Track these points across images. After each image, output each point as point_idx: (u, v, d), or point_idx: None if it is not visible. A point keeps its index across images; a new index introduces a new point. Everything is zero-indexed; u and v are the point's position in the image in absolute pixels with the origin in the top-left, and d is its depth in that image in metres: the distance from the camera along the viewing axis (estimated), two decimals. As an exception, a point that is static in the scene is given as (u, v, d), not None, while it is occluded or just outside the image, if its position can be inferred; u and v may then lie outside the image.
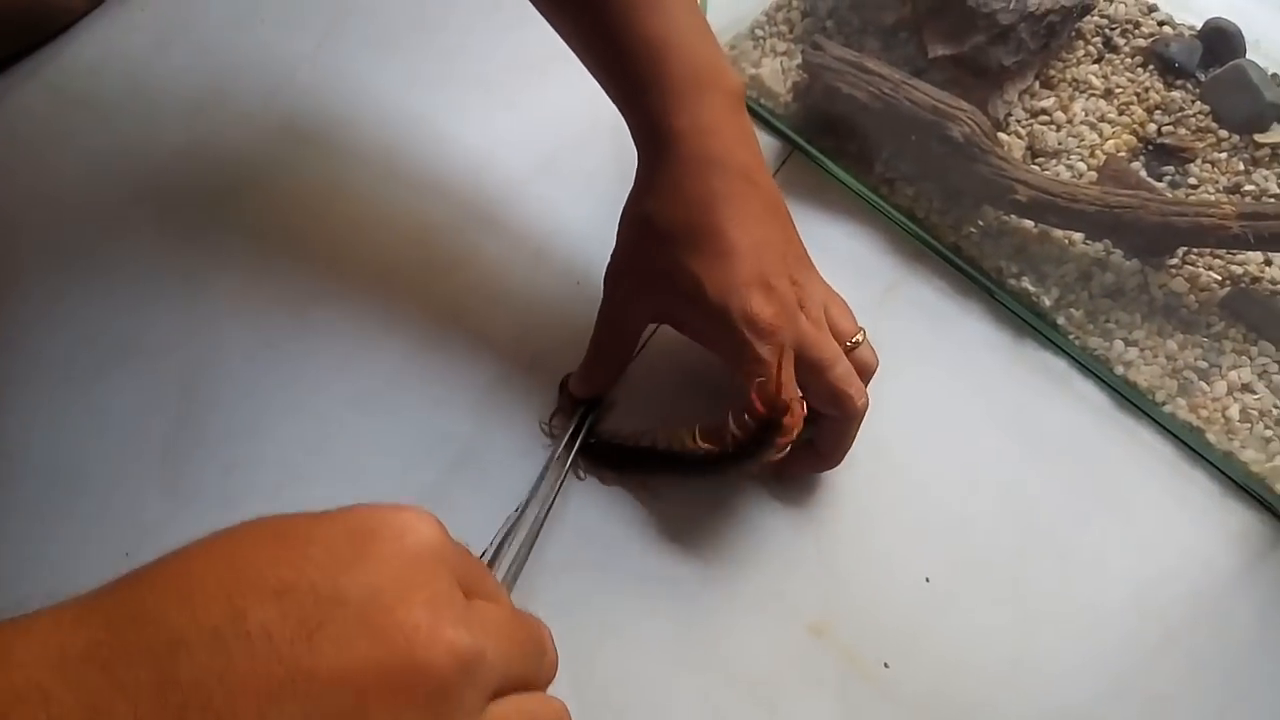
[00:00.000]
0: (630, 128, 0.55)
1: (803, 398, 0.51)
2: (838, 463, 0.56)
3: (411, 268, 0.64)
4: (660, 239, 0.52)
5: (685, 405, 0.58)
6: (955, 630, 0.55)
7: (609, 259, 0.56)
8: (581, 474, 0.58)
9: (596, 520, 0.57)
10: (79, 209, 0.65)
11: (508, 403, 0.60)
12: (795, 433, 0.50)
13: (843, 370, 0.52)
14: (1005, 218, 0.64)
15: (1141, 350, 0.61)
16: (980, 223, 0.65)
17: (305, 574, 0.30)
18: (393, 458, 0.58)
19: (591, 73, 0.56)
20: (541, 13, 0.56)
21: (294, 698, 0.28)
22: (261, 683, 0.28)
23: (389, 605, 0.30)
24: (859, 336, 0.55)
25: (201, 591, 0.30)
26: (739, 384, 0.51)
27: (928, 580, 0.56)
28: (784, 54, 0.71)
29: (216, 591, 0.29)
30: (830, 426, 0.55)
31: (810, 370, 0.52)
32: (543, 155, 0.68)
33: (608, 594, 0.55)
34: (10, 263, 0.63)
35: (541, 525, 0.56)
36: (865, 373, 0.55)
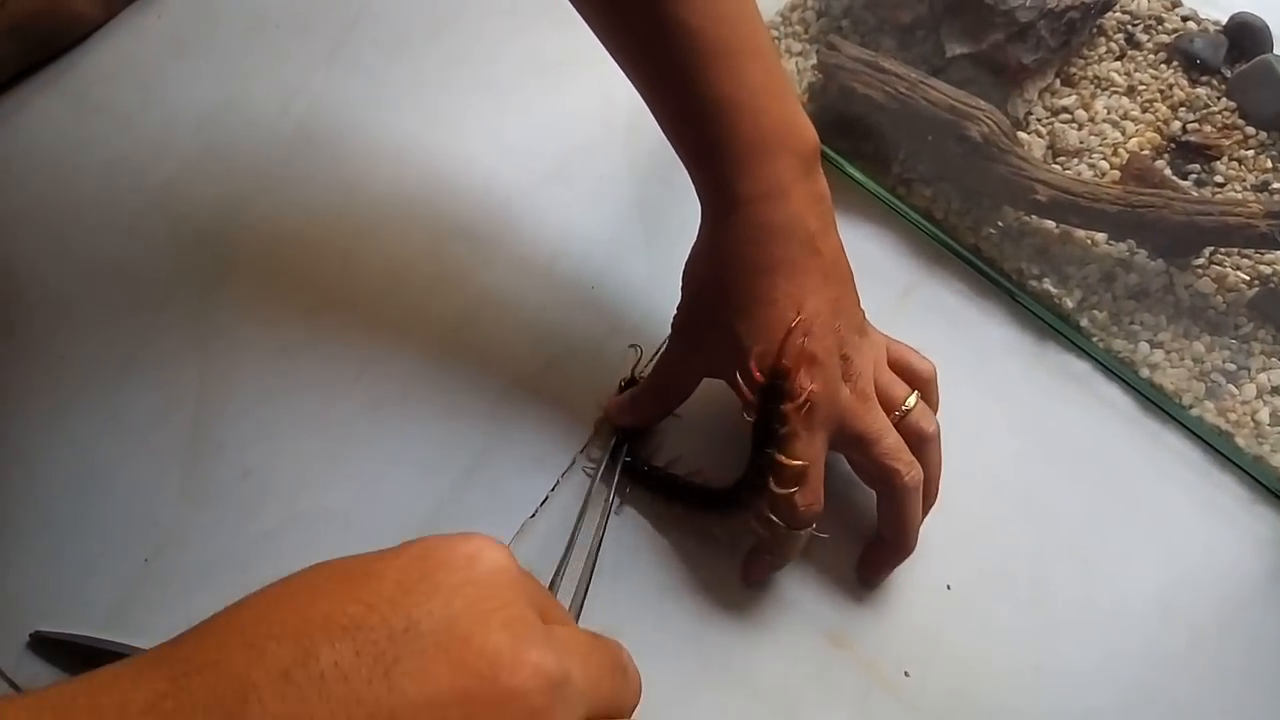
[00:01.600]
0: (694, 184, 0.53)
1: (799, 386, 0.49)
2: (911, 547, 0.54)
3: (425, 273, 0.64)
4: (716, 302, 0.52)
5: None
6: (976, 637, 0.54)
7: (678, 305, 0.55)
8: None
9: (611, 535, 0.57)
10: (95, 215, 0.65)
11: (522, 409, 0.60)
12: (801, 402, 0.48)
13: (888, 445, 0.51)
14: (1026, 218, 0.63)
15: (1167, 352, 0.60)
16: (1000, 223, 0.64)
17: (376, 609, 0.29)
18: (407, 464, 0.58)
19: (660, 124, 0.53)
20: (616, 60, 0.53)
21: None
22: None
23: (466, 633, 0.29)
24: (910, 401, 0.53)
25: (268, 636, 0.29)
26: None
27: (948, 587, 0.55)
28: (799, 54, 0.70)
29: (283, 634, 0.28)
30: (888, 507, 0.53)
31: (855, 446, 0.52)
32: (556, 160, 0.68)
33: (623, 605, 0.55)
34: (27, 270, 0.63)
35: (598, 553, 0.56)
36: (921, 440, 0.53)
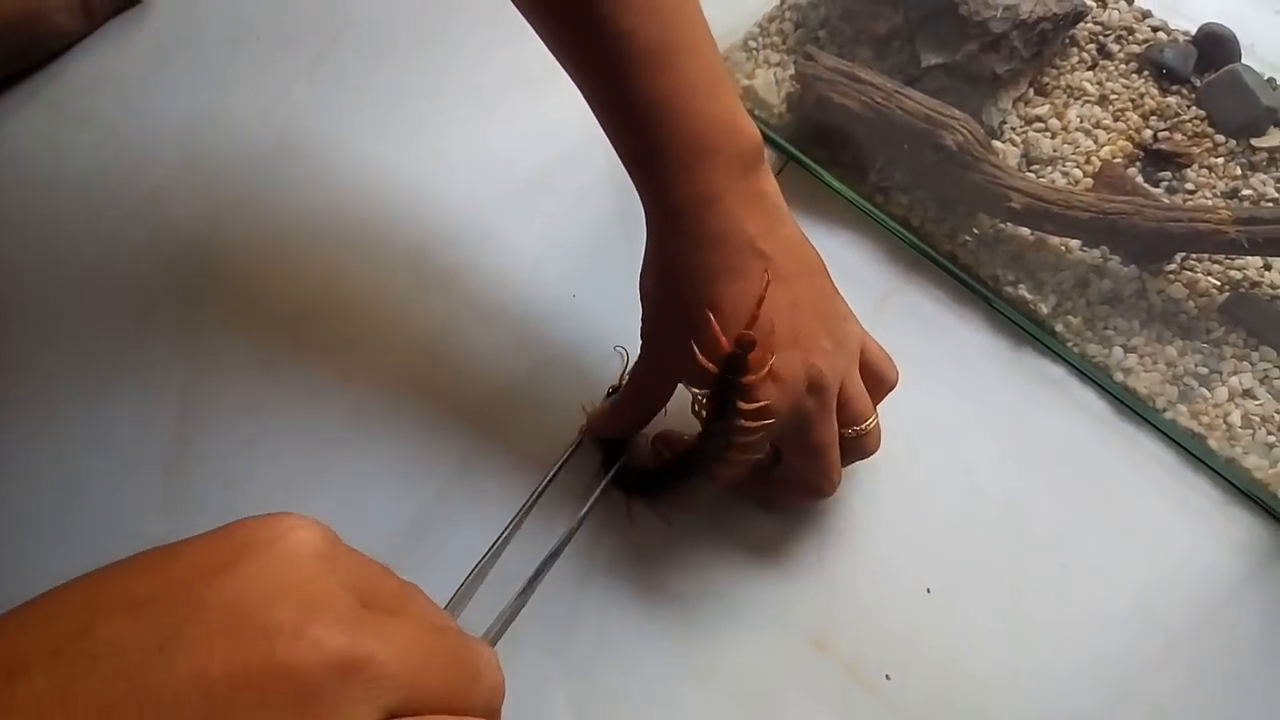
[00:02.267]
0: (637, 191, 0.51)
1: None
2: (774, 507, 0.56)
3: (407, 283, 0.64)
4: (669, 314, 0.51)
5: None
6: (956, 640, 0.54)
7: (642, 332, 0.55)
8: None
9: (592, 536, 0.57)
10: (77, 225, 0.65)
11: (504, 417, 0.60)
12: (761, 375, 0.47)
13: (827, 462, 0.52)
14: (1001, 225, 0.64)
15: (1141, 357, 0.61)
16: (976, 231, 0.65)
17: (164, 588, 0.27)
18: (389, 474, 0.58)
19: (603, 130, 0.52)
20: (562, 65, 0.52)
21: (136, 713, 0.25)
22: (104, 701, 0.25)
23: (253, 608, 0.27)
24: (868, 424, 0.53)
25: (51, 616, 0.27)
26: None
27: (929, 591, 0.56)
28: (777, 65, 0.71)
29: (64, 613, 0.27)
30: (787, 490, 0.55)
31: (794, 449, 0.52)
32: (538, 169, 0.68)
33: (606, 609, 0.55)
34: (8, 280, 0.63)
35: (561, 549, 0.56)
36: (858, 454, 0.54)
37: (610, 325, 0.62)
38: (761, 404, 0.47)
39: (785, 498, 0.56)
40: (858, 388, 0.52)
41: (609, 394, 0.60)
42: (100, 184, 0.66)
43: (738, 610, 0.55)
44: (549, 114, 0.70)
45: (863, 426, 0.52)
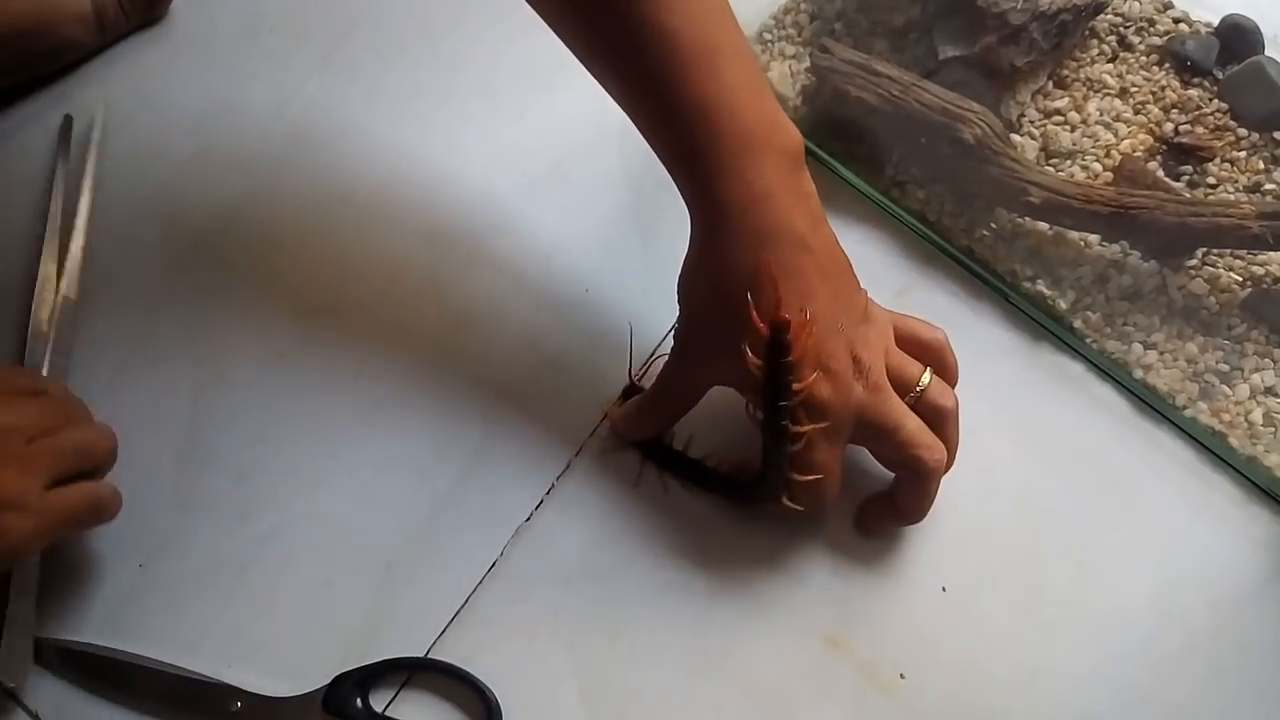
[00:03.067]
0: (681, 191, 0.51)
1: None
2: (919, 518, 0.55)
3: (420, 276, 0.64)
4: (716, 317, 0.51)
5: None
6: (972, 639, 0.54)
7: (675, 320, 0.55)
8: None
9: (609, 531, 0.57)
10: (89, 218, 0.65)
11: (517, 411, 0.60)
12: (804, 368, 0.48)
13: (909, 432, 0.52)
14: (1019, 220, 0.64)
15: (1161, 353, 0.60)
16: (993, 225, 0.64)
17: None
18: (402, 467, 0.58)
19: (640, 131, 0.52)
20: (589, 67, 0.53)
21: None
22: None
23: None
24: (925, 379, 0.53)
25: None
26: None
27: (944, 589, 0.55)
28: (792, 57, 0.70)
29: None
30: (910, 487, 0.54)
31: (875, 438, 0.52)
32: (550, 164, 0.68)
33: (621, 605, 0.55)
34: (20, 273, 0.63)
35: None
36: (940, 416, 0.53)
37: (623, 320, 0.62)
38: (810, 381, 0.48)
39: (910, 507, 0.55)
40: (899, 357, 0.53)
41: (624, 394, 0.59)
42: (111, 177, 0.66)
43: (752, 608, 0.55)
44: (560, 109, 0.69)
45: (919, 387, 0.53)
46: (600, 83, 0.52)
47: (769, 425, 0.50)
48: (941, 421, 0.53)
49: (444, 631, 0.54)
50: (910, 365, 0.54)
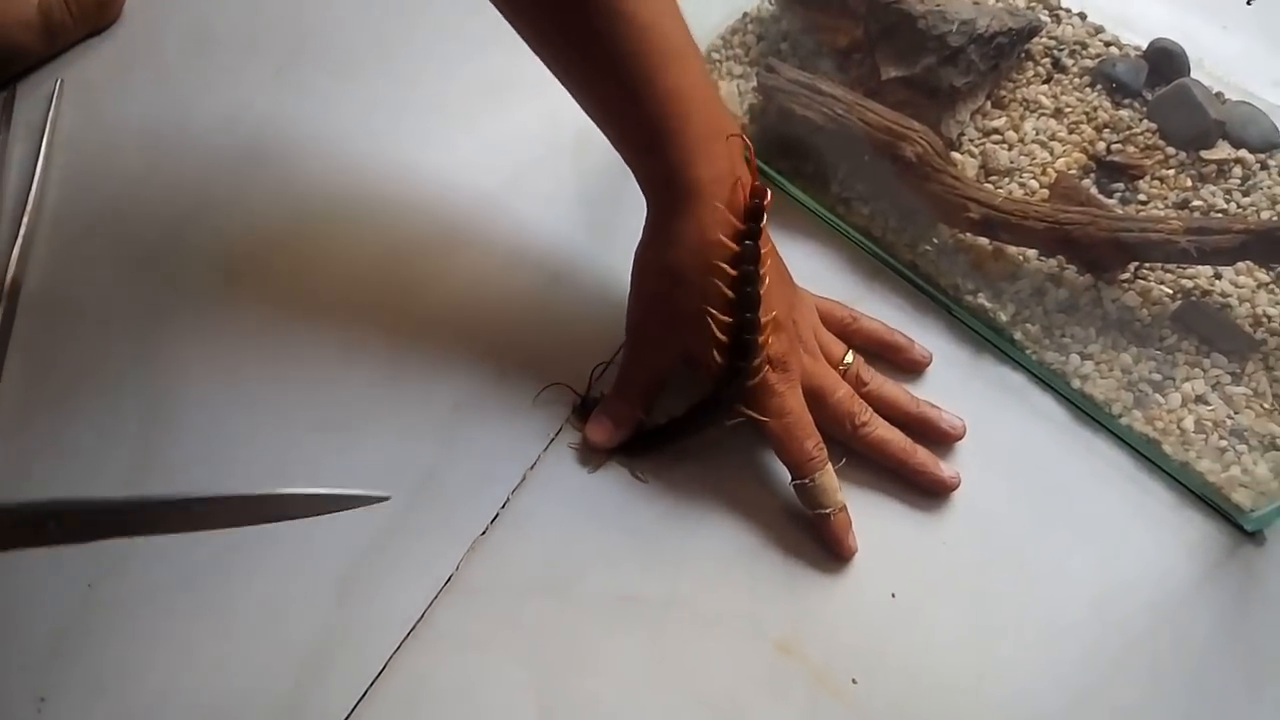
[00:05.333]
0: (641, 177, 0.56)
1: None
2: (921, 461, 0.59)
3: (374, 290, 0.64)
4: (686, 286, 0.54)
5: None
6: (920, 645, 0.55)
7: (628, 310, 0.59)
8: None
9: (562, 540, 0.57)
10: (34, 237, 0.64)
11: (473, 423, 0.60)
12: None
13: (841, 395, 0.58)
14: (960, 235, 0.65)
15: (1097, 364, 0.62)
16: (935, 240, 0.66)
17: None
18: (356, 483, 0.58)
19: (599, 121, 0.56)
20: (548, 62, 0.55)
21: None
22: None
23: None
24: (849, 359, 0.60)
25: None
26: (758, 410, 0.55)
27: (893, 596, 0.56)
28: (740, 76, 0.72)
29: None
30: (870, 452, 0.59)
31: (813, 399, 0.57)
32: (504, 177, 0.68)
33: (576, 616, 0.55)
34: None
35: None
36: (864, 387, 0.60)
37: (579, 329, 0.63)
38: (767, 332, 0.54)
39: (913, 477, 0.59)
40: (827, 335, 0.61)
41: (581, 410, 0.60)
42: (56, 194, 0.66)
43: (703, 615, 0.55)
44: (513, 124, 0.70)
45: (845, 362, 0.60)
46: (567, 78, 0.55)
47: (737, 310, 0.53)
48: (867, 392, 0.60)
49: (400, 646, 0.54)
50: (835, 344, 0.61)
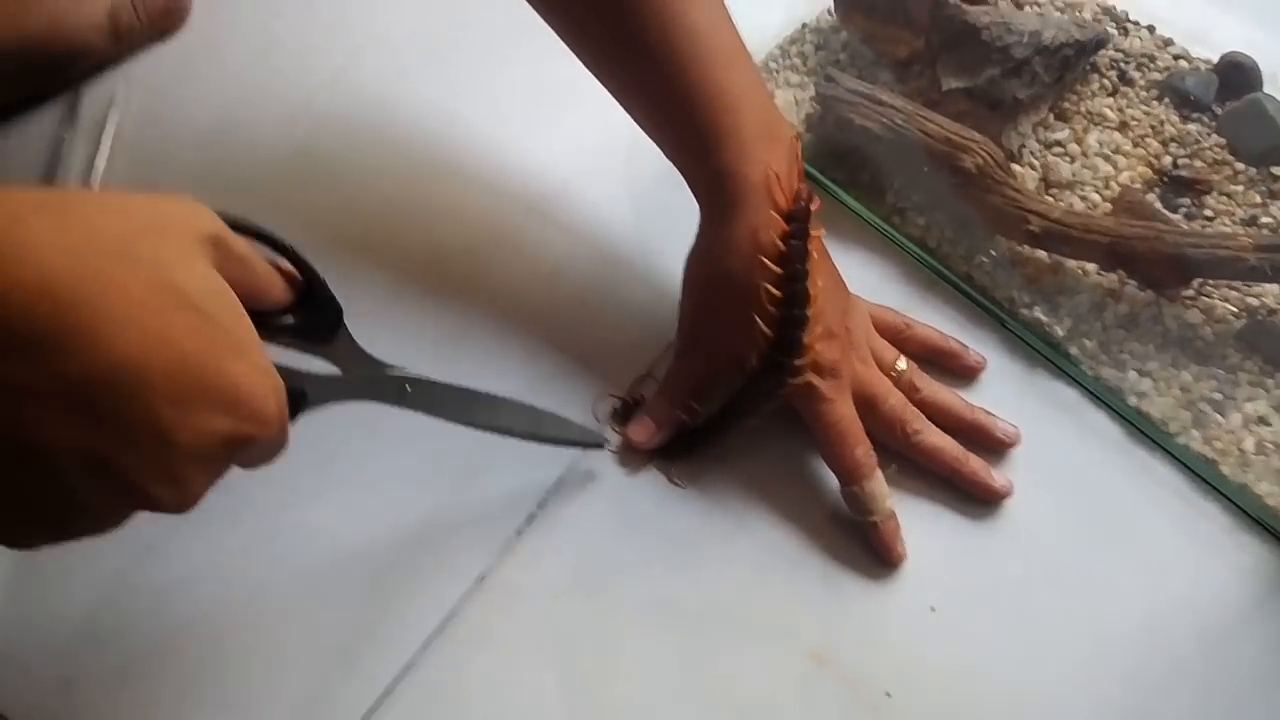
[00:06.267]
0: (692, 180, 0.56)
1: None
2: (972, 469, 0.58)
3: (423, 290, 0.65)
4: (736, 289, 0.54)
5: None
6: (959, 660, 0.54)
7: (679, 314, 0.59)
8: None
9: (597, 546, 0.57)
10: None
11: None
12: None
13: (894, 403, 0.57)
14: (1018, 248, 0.64)
15: (1155, 381, 0.60)
16: (993, 253, 0.65)
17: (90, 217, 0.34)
18: (395, 478, 0.59)
19: (648, 125, 0.57)
20: (597, 65, 0.56)
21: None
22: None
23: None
24: (901, 365, 0.60)
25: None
26: (807, 416, 0.56)
27: (933, 609, 0.55)
28: (797, 86, 0.72)
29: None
30: (923, 461, 0.58)
31: (865, 408, 0.57)
32: (555, 184, 0.69)
33: (609, 621, 0.55)
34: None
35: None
36: (916, 393, 0.59)
37: (622, 334, 0.63)
38: (817, 335, 0.53)
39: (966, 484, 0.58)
40: (880, 341, 0.60)
41: (621, 413, 0.61)
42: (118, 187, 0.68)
43: (738, 623, 0.55)
44: (566, 131, 0.71)
45: (897, 369, 0.59)
46: (619, 83, 0.56)
47: (783, 307, 0.52)
48: (920, 400, 0.59)
49: (428, 644, 0.54)
50: (888, 350, 0.60)
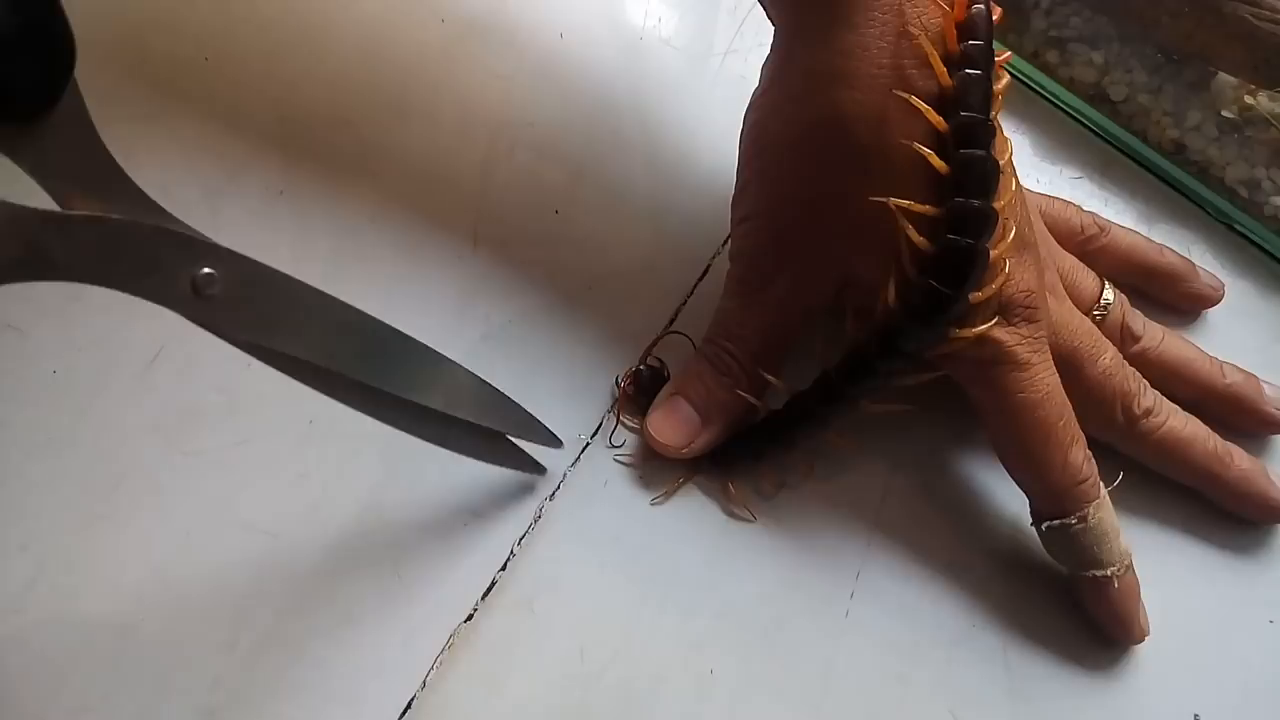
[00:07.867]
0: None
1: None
2: (1230, 478, 0.38)
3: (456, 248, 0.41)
4: (850, 151, 0.32)
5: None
6: None
7: (733, 203, 0.37)
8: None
9: (598, 602, 0.33)
10: None
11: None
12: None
13: (1110, 361, 0.36)
14: (1270, 97, 0.43)
15: None
16: (1220, 111, 0.44)
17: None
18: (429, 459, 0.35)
19: None
20: None
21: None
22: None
23: None
24: (1108, 295, 0.39)
25: None
26: (986, 396, 0.35)
27: (1196, 717, 0.35)
28: None
29: None
30: (1155, 458, 0.38)
31: (1067, 367, 0.35)
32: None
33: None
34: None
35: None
36: (1133, 343, 0.39)
37: (625, 255, 0.40)
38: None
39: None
40: (1070, 260, 0.40)
41: (630, 387, 0.37)
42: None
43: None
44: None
45: (1103, 301, 0.39)
46: None
47: (950, 195, 0.31)
48: (1138, 352, 0.39)
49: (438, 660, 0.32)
50: (1085, 274, 0.40)
